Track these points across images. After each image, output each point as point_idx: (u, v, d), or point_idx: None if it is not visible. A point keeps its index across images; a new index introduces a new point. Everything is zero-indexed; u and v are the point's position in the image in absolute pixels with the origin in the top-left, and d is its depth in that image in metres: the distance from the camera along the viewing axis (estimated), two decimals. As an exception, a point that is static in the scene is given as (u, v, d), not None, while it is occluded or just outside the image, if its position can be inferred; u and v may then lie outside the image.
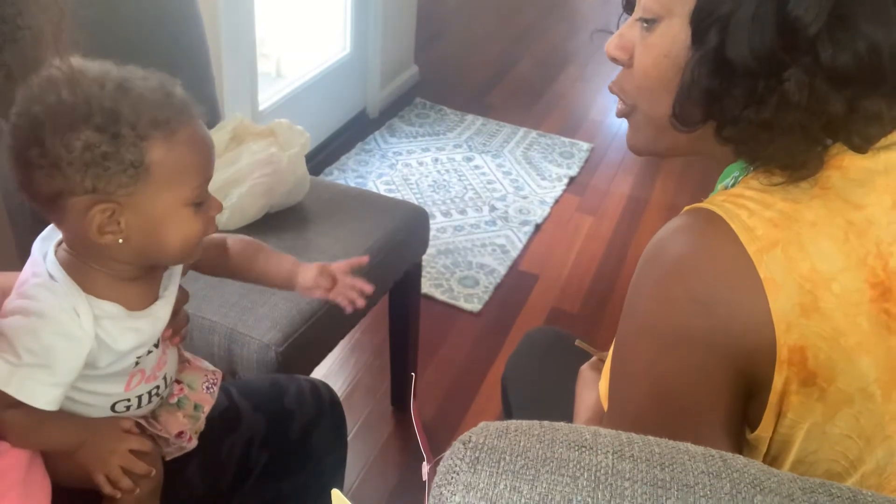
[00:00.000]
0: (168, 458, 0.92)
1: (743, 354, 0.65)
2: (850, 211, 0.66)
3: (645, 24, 0.73)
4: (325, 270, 1.01)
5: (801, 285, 0.63)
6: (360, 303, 1.02)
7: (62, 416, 0.83)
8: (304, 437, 1.08)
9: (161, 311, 0.86)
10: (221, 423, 1.01)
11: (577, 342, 1.08)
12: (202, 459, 0.98)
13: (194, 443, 0.94)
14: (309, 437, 1.09)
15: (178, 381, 0.95)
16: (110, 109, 0.72)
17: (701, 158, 0.80)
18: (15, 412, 0.78)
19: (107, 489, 0.84)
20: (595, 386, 0.94)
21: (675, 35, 0.70)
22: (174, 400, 0.93)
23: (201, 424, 0.95)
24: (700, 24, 0.67)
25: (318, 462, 1.11)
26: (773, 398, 0.66)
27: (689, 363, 0.66)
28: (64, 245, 0.81)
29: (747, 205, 0.67)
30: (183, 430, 0.92)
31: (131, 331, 0.82)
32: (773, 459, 0.70)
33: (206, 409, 0.95)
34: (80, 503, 0.88)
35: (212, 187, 1.40)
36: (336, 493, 0.50)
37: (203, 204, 0.81)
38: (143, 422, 0.89)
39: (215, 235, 0.96)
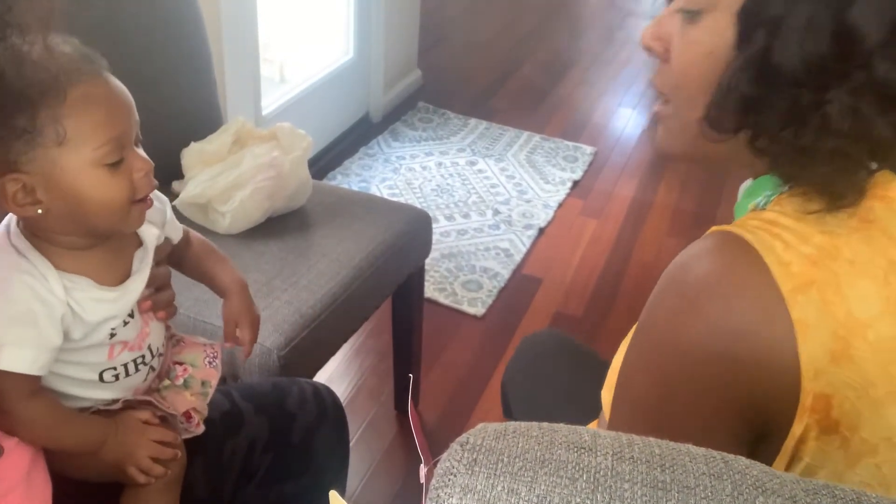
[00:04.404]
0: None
1: (760, 395, 0.61)
2: (893, 248, 0.62)
3: (687, 16, 0.66)
4: (251, 321, 0.99)
5: (835, 331, 0.59)
6: (241, 356, 1.02)
7: (84, 415, 0.85)
8: (306, 440, 1.08)
9: (132, 285, 0.86)
10: (223, 425, 1.01)
11: None
12: (204, 462, 0.98)
13: (202, 428, 0.95)
14: (311, 440, 1.09)
15: (179, 363, 0.95)
16: None
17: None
18: (37, 405, 0.79)
19: (141, 479, 0.86)
20: None
21: (720, 32, 0.64)
22: (180, 381, 0.94)
23: (206, 409, 0.95)
24: (748, 23, 0.62)
25: (321, 465, 1.11)
26: (789, 443, 0.62)
27: (699, 396, 0.62)
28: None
29: (783, 235, 0.62)
30: (189, 409, 0.93)
31: (101, 301, 0.82)
32: None
33: (214, 383, 0.96)
34: (88, 497, 0.89)
35: (214, 190, 1.41)
36: (334, 496, 0.49)
37: (122, 164, 0.78)
38: (151, 399, 0.90)
39: (183, 226, 0.97)
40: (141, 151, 0.81)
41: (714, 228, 0.67)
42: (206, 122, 1.62)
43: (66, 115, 0.73)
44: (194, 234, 1.01)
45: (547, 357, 1.24)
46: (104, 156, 0.76)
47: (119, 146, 0.77)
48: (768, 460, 0.64)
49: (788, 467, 0.64)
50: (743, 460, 0.49)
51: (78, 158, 0.75)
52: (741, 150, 0.67)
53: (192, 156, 1.50)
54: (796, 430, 0.61)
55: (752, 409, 0.62)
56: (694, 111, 0.67)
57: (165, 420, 0.92)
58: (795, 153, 0.62)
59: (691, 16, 0.66)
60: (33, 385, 0.79)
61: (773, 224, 0.63)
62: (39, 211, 0.76)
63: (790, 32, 0.59)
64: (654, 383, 0.65)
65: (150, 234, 0.89)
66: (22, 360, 0.77)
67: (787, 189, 0.66)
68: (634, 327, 0.80)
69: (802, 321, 0.59)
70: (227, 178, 1.44)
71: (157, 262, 0.91)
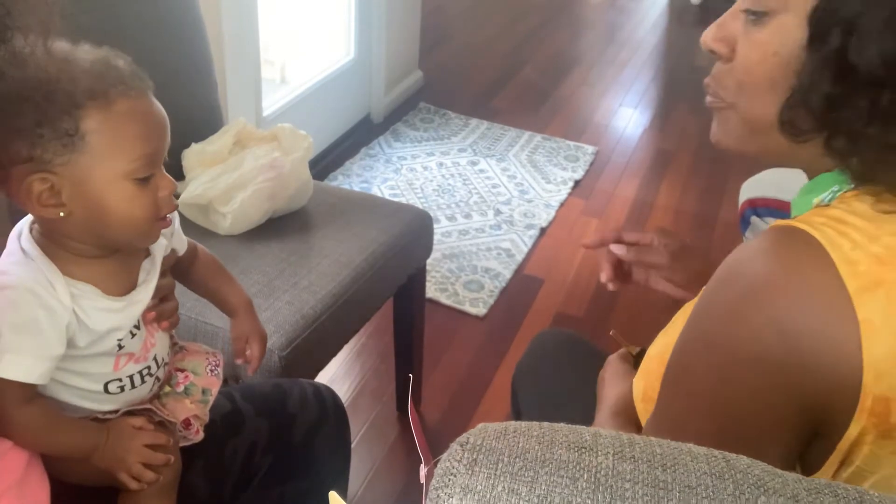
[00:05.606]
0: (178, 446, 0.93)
1: (819, 394, 0.60)
2: None
3: (752, 17, 0.67)
4: (260, 338, 1.03)
5: None
6: (248, 371, 1.05)
7: (76, 419, 0.84)
8: (306, 442, 1.08)
9: (139, 296, 0.86)
10: (224, 427, 1.01)
11: (611, 332, 1.05)
12: (205, 463, 0.98)
13: (201, 435, 0.94)
14: (312, 442, 1.08)
15: (181, 370, 0.95)
16: (47, 79, 0.72)
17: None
18: (31, 410, 0.79)
19: (133, 485, 0.86)
20: (626, 379, 0.90)
21: (788, 32, 0.64)
22: (181, 388, 0.94)
23: (207, 416, 0.95)
24: (820, 23, 0.62)
25: (322, 466, 1.10)
26: (842, 445, 0.62)
27: (759, 392, 0.62)
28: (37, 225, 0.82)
29: (851, 234, 0.61)
30: (190, 417, 0.93)
31: (107, 311, 0.82)
32: None
33: (215, 391, 0.96)
34: (88, 498, 0.89)
35: (215, 191, 1.41)
36: (334, 497, 0.49)
37: (150, 181, 0.79)
38: (150, 406, 0.90)
39: (189, 239, 0.98)
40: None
41: (777, 222, 0.66)
42: (206, 123, 1.62)
43: (109, 124, 0.75)
44: (202, 249, 1.02)
45: (559, 356, 1.24)
46: (136, 170, 0.78)
47: (151, 163, 0.79)
48: (820, 460, 0.63)
49: (838, 471, 0.63)
50: (745, 459, 0.48)
51: (111, 168, 0.76)
52: (804, 148, 0.67)
53: (192, 157, 1.50)
54: (852, 431, 0.60)
55: (810, 406, 0.61)
56: (757, 108, 0.69)
57: (163, 426, 0.91)
58: (883, 149, 0.61)
59: (758, 17, 0.67)
60: (30, 392, 0.79)
61: (841, 222, 0.62)
62: (61, 214, 0.77)
63: (867, 32, 0.59)
64: (715, 383, 0.65)
65: (158, 245, 0.89)
66: (20, 367, 0.77)
67: (852, 187, 0.66)
68: (677, 318, 0.79)
69: (868, 321, 0.58)
70: (228, 179, 1.44)
71: (162, 273, 0.91)
